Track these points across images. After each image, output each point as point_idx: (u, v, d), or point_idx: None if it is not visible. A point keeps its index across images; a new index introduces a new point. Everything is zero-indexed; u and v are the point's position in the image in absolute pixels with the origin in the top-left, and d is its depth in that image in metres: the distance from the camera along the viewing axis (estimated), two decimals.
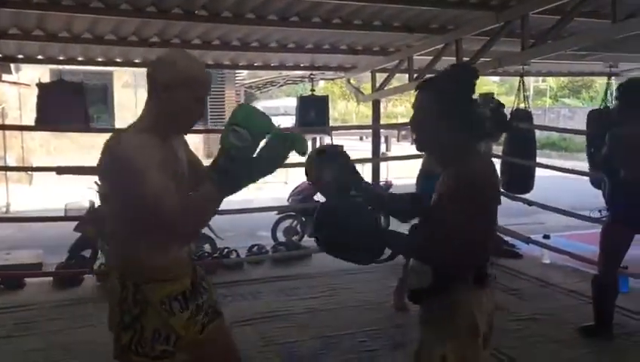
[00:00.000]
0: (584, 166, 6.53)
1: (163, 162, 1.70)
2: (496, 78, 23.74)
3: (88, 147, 12.62)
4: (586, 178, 5.61)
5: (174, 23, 4.72)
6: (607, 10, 3.88)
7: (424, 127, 1.99)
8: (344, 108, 28.78)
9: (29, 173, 12.12)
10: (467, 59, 5.10)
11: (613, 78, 7.23)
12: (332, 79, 11.37)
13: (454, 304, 1.90)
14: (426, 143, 2.04)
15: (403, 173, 11.59)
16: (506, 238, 5.92)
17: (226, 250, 5.70)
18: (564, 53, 5.27)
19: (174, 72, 1.76)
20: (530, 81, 24.80)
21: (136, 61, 6.08)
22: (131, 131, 1.77)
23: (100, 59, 5.87)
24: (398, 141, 20.32)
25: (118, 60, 6.00)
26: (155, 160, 1.67)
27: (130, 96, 13.58)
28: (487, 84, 24.68)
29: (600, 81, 20.08)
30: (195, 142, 14.09)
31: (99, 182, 1.86)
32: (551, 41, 4.41)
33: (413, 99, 2.03)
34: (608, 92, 7.16)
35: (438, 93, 1.95)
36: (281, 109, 21.94)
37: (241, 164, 1.63)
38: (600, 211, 8.56)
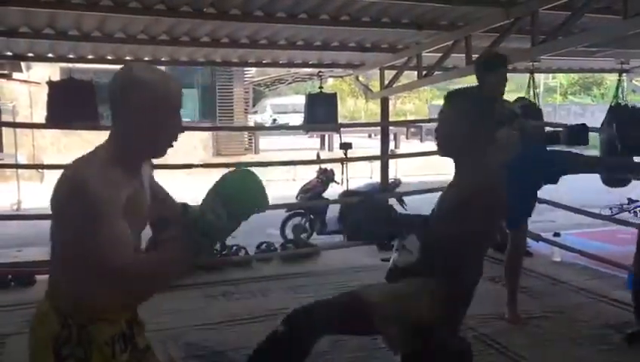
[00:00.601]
0: None
1: (126, 200, 1.55)
2: None
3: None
4: (597, 176, 5.56)
5: (183, 21, 4.73)
6: (619, 5, 3.84)
7: (449, 136, 2.15)
8: (353, 106, 28.75)
9: (40, 170, 12.21)
10: (477, 55, 5.07)
11: (624, 74, 7.17)
12: (341, 77, 11.34)
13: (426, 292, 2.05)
14: (449, 152, 2.18)
15: (412, 170, 11.59)
16: None
17: (234, 248, 5.71)
18: (574, 50, 5.23)
19: (143, 89, 1.55)
20: (541, 78, 24.62)
21: (146, 59, 6.10)
22: (94, 161, 1.55)
23: (109, 58, 5.90)
24: (407, 138, 20.26)
25: (127, 58, 6.02)
26: (117, 200, 1.51)
27: None
28: None
29: (611, 78, 19.93)
30: (203, 138, 14.14)
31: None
32: (561, 37, 4.37)
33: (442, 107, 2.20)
34: (619, 89, 7.11)
35: (466, 106, 2.13)
36: (289, 107, 21.95)
37: (211, 238, 1.53)
38: (611, 209, 8.56)
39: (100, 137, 1.68)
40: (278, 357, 2.12)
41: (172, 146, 1.64)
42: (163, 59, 6.10)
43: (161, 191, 1.91)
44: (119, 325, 1.66)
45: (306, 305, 2.21)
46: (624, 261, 4.88)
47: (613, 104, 6.18)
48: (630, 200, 8.70)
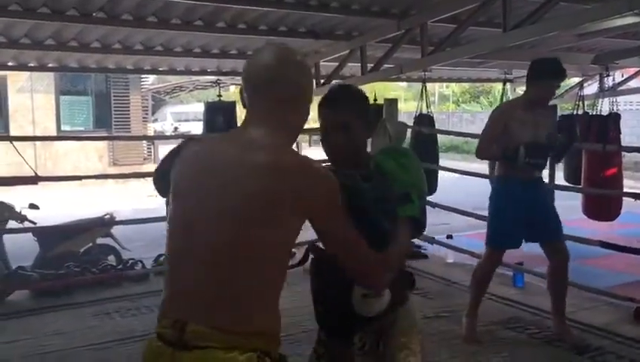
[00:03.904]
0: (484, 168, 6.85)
1: None
2: (403, 84, 24.50)
3: None
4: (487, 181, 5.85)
5: (70, 25, 4.51)
6: (499, 19, 4.10)
7: None
8: None
9: None
10: (372, 65, 5.23)
11: (508, 84, 7.66)
12: None
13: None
14: None
15: None
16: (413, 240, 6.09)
17: (130, 262, 5.50)
18: (461, 60, 5.51)
19: (310, 75, 1.55)
20: (436, 87, 25.80)
21: (31, 65, 5.76)
22: (289, 150, 1.48)
23: None
24: (309, 146, 20.45)
25: (10, 64, 5.67)
26: None
27: (26, 101, 12.85)
28: (395, 89, 25.44)
29: (498, 88, 21.20)
30: (99, 148, 13.54)
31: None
32: (448, 48, 4.60)
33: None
34: (504, 97, 7.58)
35: None
36: (190, 115, 21.50)
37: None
38: None
39: None
40: None
41: None
42: (50, 64, 5.80)
43: None
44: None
45: None
46: (509, 260, 5.18)
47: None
48: None
